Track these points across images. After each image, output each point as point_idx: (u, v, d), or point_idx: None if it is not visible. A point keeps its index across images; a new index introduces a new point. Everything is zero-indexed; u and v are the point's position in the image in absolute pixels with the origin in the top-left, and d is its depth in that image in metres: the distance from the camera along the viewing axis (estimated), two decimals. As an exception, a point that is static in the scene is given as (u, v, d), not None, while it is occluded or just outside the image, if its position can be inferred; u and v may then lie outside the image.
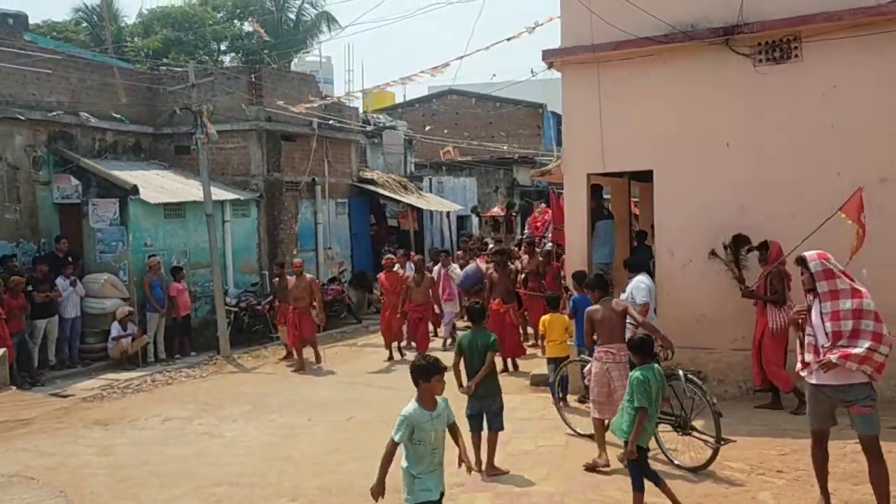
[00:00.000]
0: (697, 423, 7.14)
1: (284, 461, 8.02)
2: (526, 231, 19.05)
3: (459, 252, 18.12)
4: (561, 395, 9.01)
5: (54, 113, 14.91)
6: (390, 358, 13.27)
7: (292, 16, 32.29)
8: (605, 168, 10.10)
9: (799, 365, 5.79)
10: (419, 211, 23.21)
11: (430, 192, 25.37)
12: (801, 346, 5.78)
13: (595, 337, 7.37)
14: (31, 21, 21.64)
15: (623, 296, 8.78)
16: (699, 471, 6.83)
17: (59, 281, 13.28)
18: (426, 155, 29.25)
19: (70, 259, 13.91)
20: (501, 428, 7.20)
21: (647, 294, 8.80)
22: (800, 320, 5.78)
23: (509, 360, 11.80)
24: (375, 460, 7.77)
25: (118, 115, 15.76)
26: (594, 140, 9.81)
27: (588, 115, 9.84)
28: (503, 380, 8.15)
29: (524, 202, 27.41)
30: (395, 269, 14.36)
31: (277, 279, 14.39)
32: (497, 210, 22.91)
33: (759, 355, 8.81)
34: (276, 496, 7.01)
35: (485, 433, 7.18)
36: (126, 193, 14.45)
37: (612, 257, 11.42)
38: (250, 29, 31.05)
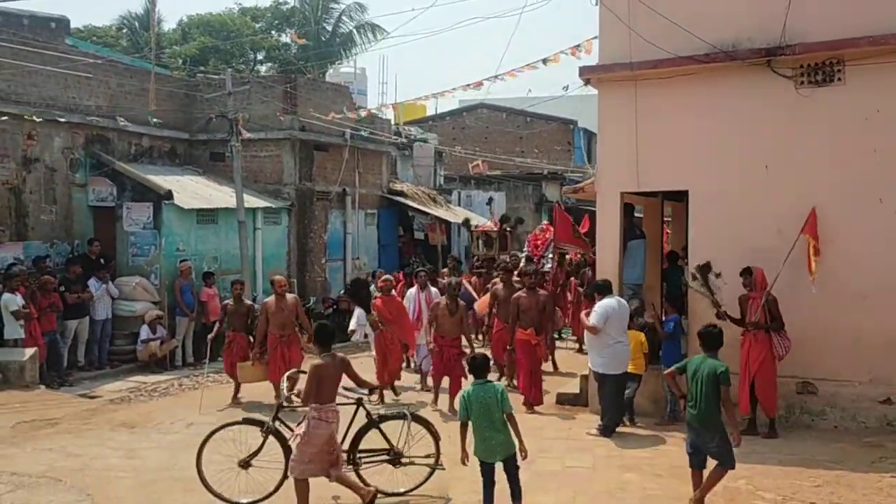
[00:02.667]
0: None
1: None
2: (525, 250, 17.65)
3: (444, 270, 16.22)
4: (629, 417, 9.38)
5: (92, 117, 15.11)
6: (381, 400, 10.62)
7: (329, 27, 32.53)
8: (639, 187, 10.00)
9: None
10: (447, 224, 23.19)
11: (459, 205, 25.38)
12: None
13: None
14: (73, 26, 22.05)
15: None
16: (413, 490, 7.05)
17: (92, 282, 13.41)
18: (455, 168, 29.27)
19: (103, 261, 14.05)
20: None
21: (600, 318, 8.80)
22: None
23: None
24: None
25: (155, 120, 15.90)
26: (629, 158, 9.71)
27: (624, 134, 9.76)
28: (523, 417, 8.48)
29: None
30: (393, 292, 11.71)
31: (231, 302, 11.31)
32: (490, 225, 20.82)
33: (749, 383, 8.71)
34: (302, 506, 6.95)
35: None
36: (160, 198, 14.59)
37: (644, 278, 11.28)
38: (288, 40, 31.32)
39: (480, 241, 20.03)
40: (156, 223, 14.63)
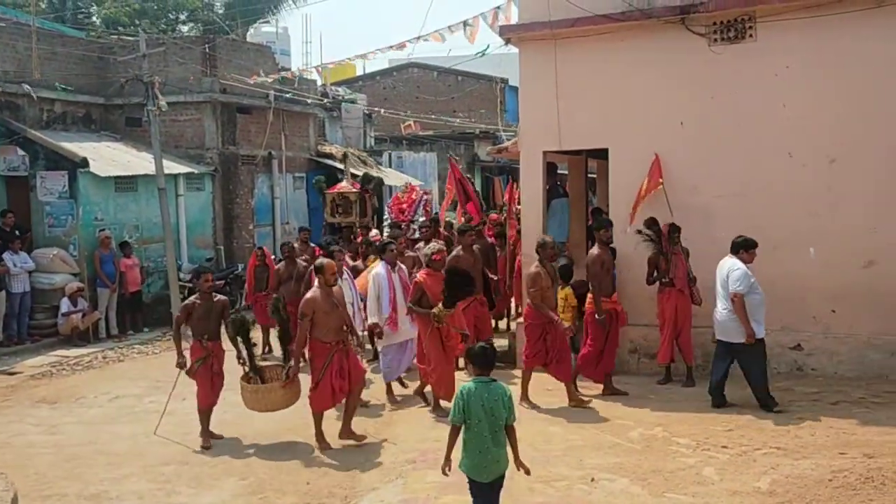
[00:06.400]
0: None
1: (235, 439, 7.95)
2: (388, 215, 14.99)
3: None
4: None
5: (-1, 82, 14.42)
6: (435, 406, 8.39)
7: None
8: (561, 146, 10.10)
9: None
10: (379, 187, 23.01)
11: (390, 166, 25.21)
12: None
13: None
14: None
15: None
16: None
17: (7, 256, 12.92)
18: (387, 129, 29.00)
19: (18, 233, 13.54)
20: None
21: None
22: None
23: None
24: (329, 438, 7.85)
25: (64, 86, 15.27)
26: (551, 117, 9.81)
27: (545, 92, 9.83)
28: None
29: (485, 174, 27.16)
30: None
31: (198, 300, 7.99)
32: (346, 185, 16.69)
33: (675, 335, 8.92)
34: (226, 475, 6.96)
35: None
36: (75, 166, 14.06)
37: (567, 236, 11.48)
38: (208, -1, 30.31)
39: (336, 204, 16.14)
40: (72, 192, 14.12)
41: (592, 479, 6.25)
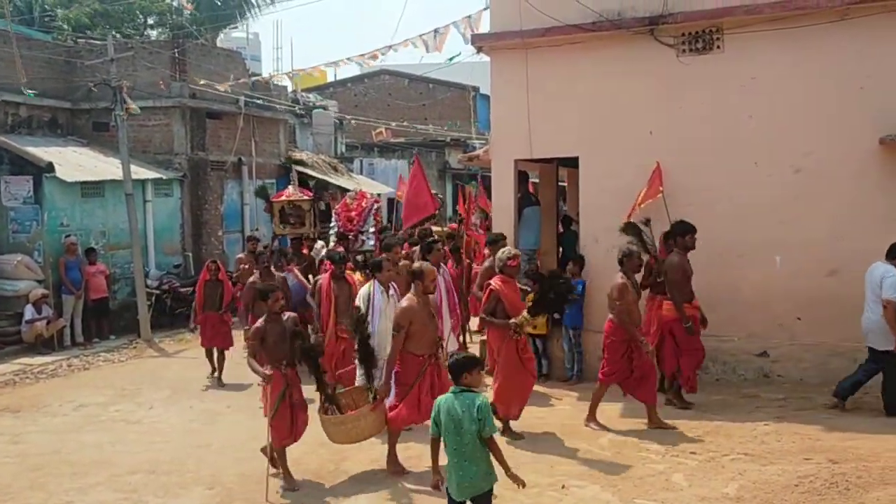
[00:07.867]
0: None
1: (203, 448, 7.87)
2: (334, 223, 13.55)
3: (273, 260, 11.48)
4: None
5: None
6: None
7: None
8: (532, 154, 10.16)
9: None
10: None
11: (361, 174, 25.15)
12: None
13: None
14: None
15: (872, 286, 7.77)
16: None
17: (-32, 262, 12.70)
18: (358, 136, 28.93)
19: (-20, 239, 13.31)
20: None
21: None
22: None
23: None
24: (294, 447, 7.77)
25: (30, 90, 15.03)
26: (522, 126, 9.87)
27: (516, 101, 9.89)
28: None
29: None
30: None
31: (263, 322, 6.96)
32: (293, 192, 14.92)
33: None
34: (194, 484, 6.87)
35: None
36: (40, 171, 13.86)
37: (539, 244, 11.53)
38: (177, 3, 29.98)
39: (287, 215, 14.52)
40: (37, 198, 13.91)
41: (563, 486, 6.27)
